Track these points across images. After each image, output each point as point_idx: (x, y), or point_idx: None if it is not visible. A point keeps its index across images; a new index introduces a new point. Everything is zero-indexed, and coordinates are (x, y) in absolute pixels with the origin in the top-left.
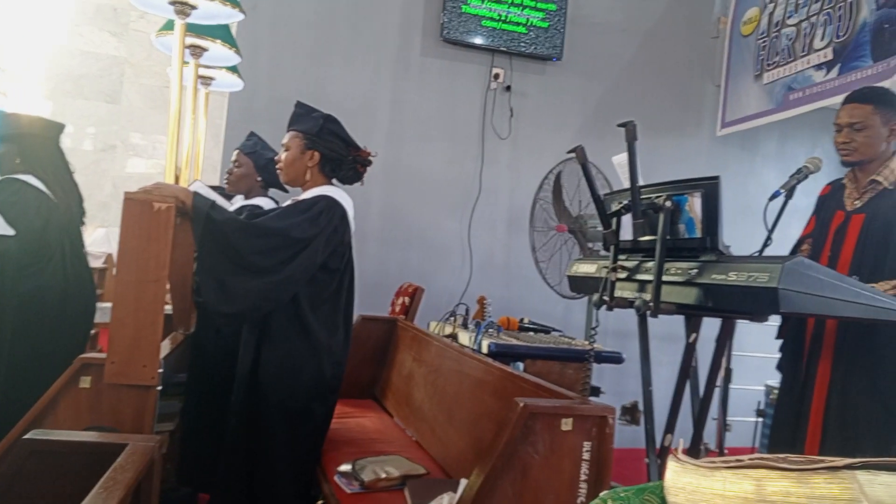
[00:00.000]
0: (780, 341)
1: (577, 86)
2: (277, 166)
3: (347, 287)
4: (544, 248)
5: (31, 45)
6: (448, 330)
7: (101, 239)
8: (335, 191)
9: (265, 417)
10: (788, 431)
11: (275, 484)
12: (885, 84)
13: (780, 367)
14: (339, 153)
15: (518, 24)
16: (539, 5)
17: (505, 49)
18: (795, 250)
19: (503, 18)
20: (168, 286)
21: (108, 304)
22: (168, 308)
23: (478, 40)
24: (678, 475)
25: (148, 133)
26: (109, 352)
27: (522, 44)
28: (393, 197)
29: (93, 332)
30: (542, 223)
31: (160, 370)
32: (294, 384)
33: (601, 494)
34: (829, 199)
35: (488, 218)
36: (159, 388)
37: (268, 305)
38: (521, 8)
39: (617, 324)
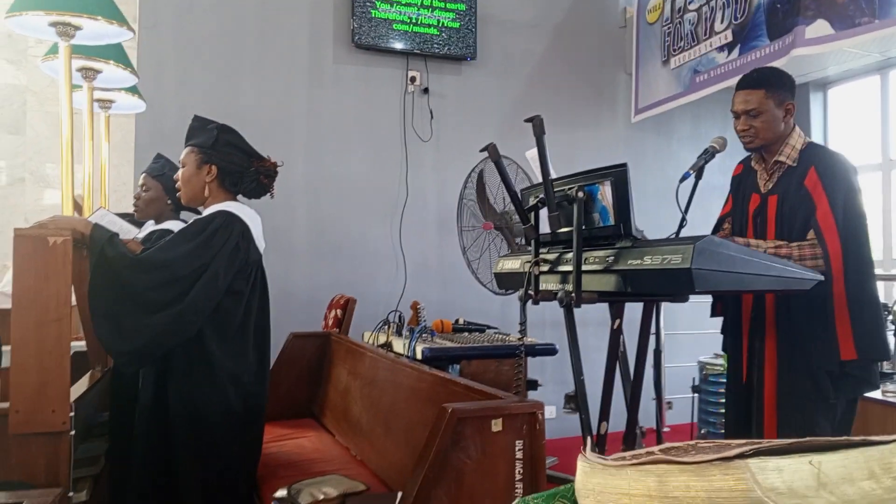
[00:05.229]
0: (714, 319)
1: (493, 84)
2: (176, 185)
3: (259, 309)
4: (474, 247)
5: None
6: (382, 339)
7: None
8: (236, 206)
9: (173, 456)
10: (742, 411)
11: None
12: (782, 61)
13: (725, 348)
14: (238, 165)
15: (430, 25)
16: (448, 6)
17: (419, 51)
18: (717, 230)
19: (414, 21)
20: (80, 322)
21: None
22: (82, 344)
23: (391, 44)
24: (587, 476)
25: (59, 162)
26: (12, 400)
27: (436, 45)
28: (318, 209)
29: None
30: (470, 222)
31: (72, 414)
32: (200, 420)
33: (513, 503)
34: (744, 180)
35: (418, 221)
36: (72, 432)
37: (171, 340)
38: (430, 10)
39: (554, 314)
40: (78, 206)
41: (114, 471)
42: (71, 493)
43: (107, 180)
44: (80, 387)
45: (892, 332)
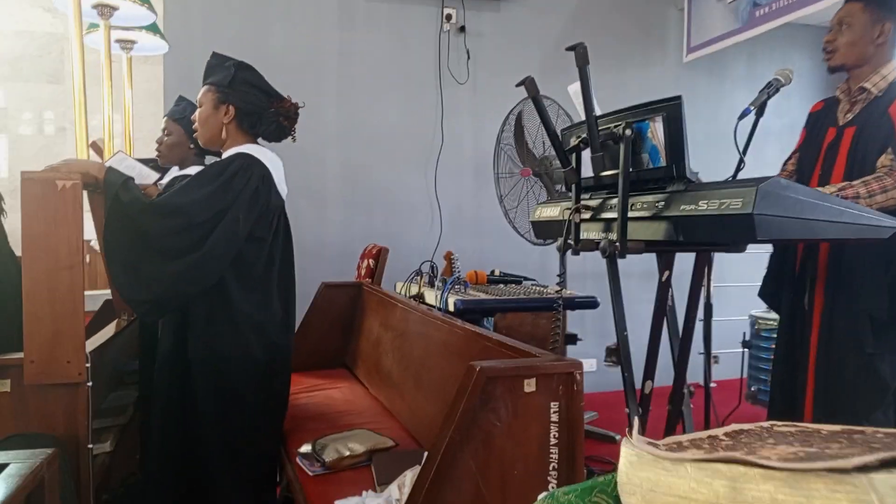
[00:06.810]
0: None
1: (534, 21)
2: (193, 126)
3: (282, 257)
4: (511, 195)
5: None
6: (414, 290)
7: None
8: (256, 148)
9: (194, 407)
10: (788, 367)
11: (213, 479)
12: None
13: (762, 294)
14: (256, 105)
15: None
16: None
17: None
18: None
19: None
20: (105, 269)
21: None
22: (107, 292)
23: None
24: (634, 468)
25: (100, 111)
26: (26, 350)
27: None
28: (351, 156)
29: None
30: (507, 169)
31: (88, 364)
32: (222, 369)
33: (539, 497)
34: (822, 116)
35: (454, 169)
36: (89, 383)
37: (191, 289)
38: None
39: (596, 266)
40: (99, 150)
41: (143, 420)
42: (91, 446)
43: (130, 124)
44: (102, 336)
45: None
